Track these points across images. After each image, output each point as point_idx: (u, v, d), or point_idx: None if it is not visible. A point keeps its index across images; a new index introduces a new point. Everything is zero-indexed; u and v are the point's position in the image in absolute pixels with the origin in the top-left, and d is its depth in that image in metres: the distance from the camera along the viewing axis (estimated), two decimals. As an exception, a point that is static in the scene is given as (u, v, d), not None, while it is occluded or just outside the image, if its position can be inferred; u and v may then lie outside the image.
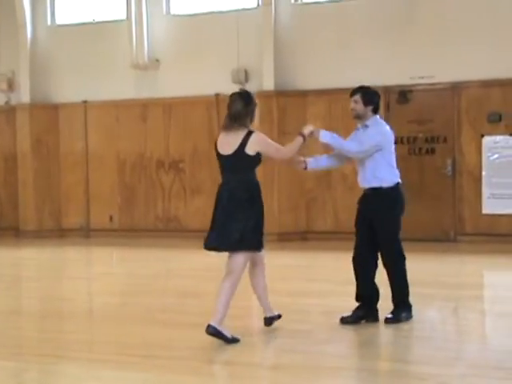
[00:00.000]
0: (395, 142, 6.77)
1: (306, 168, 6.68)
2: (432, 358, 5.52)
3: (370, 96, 6.62)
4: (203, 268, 10.23)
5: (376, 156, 6.51)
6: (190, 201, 13.81)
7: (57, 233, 14.53)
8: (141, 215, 14.16)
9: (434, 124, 12.37)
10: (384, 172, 6.52)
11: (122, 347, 6.02)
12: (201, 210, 13.63)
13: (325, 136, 6.51)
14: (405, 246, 6.75)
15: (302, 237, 13.01)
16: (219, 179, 6.45)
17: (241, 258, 6.12)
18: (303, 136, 6.39)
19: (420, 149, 12.48)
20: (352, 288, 6.79)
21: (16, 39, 14.52)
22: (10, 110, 14.73)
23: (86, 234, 14.48)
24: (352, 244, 6.84)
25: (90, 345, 6.38)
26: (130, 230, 14.14)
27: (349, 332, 6.35)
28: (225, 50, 13.35)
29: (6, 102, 14.84)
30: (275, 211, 12.93)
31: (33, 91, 14.50)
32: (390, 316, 6.58)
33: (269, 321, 6.52)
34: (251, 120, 6.26)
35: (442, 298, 7.94)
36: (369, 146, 6.48)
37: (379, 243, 6.60)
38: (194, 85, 13.54)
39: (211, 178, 13.56)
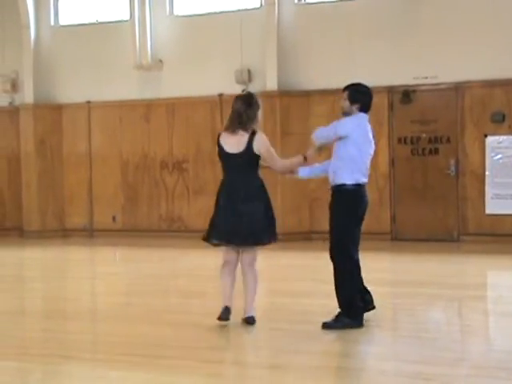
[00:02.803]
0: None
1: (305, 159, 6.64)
2: (436, 358, 5.52)
3: (357, 94, 6.51)
4: (207, 268, 10.24)
5: (339, 149, 6.40)
6: (193, 201, 13.82)
7: (60, 233, 14.55)
8: (144, 215, 14.17)
9: (437, 124, 12.37)
10: (343, 169, 6.36)
11: (127, 347, 6.03)
12: (204, 210, 13.62)
13: (316, 138, 6.54)
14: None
15: (306, 237, 13.01)
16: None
17: (258, 250, 6.56)
18: (305, 158, 6.57)
19: (423, 149, 12.47)
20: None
21: (19, 40, 14.54)
22: (14, 111, 14.76)
23: (90, 234, 14.50)
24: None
25: (94, 345, 6.40)
26: (133, 230, 14.16)
27: (352, 332, 6.35)
28: (228, 50, 13.35)
29: (10, 103, 14.87)
30: (278, 211, 12.81)
31: (36, 92, 14.52)
32: (328, 320, 6.35)
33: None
34: (256, 120, 6.46)
35: (446, 298, 7.94)
36: (333, 127, 6.39)
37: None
38: (197, 85, 13.55)
39: (215, 179, 13.55)
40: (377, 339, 6.31)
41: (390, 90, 12.49)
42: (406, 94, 12.46)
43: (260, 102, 6.55)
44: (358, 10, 12.75)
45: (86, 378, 5.32)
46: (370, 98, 6.61)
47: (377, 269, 9.79)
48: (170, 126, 13.98)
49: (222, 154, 6.53)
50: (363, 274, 6.66)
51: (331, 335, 6.28)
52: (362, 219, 6.50)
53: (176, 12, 14.01)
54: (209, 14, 13.70)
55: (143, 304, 7.86)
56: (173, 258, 11.62)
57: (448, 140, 12.32)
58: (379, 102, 12.55)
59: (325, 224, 14.37)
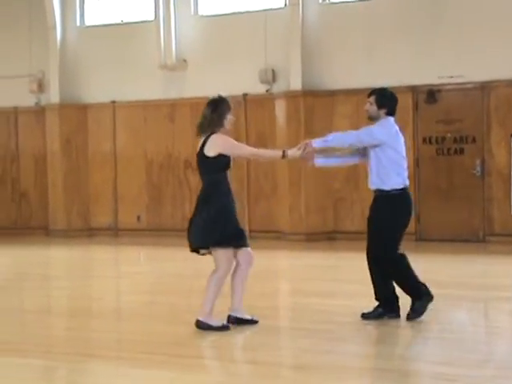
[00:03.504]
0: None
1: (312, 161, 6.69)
2: (461, 359, 5.48)
3: (384, 99, 6.63)
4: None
5: (380, 157, 6.50)
6: (217, 201, 13.82)
7: (85, 232, 14.65)
8: (168, 215, 14.22)
9: (462, 124, 12.27)
10: (390, 175, 6.50)
11: (150, 346, 6.05)
12: (228, 209, 13.64)
13: (317, 143, 6.52)
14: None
15: (330, 237, 12.97)
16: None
17: (219, 254, 6.29)
18: (284, 155, 6.44)
19: (448, 149, 12.39)
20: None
21: (46, 40, 14.66)
22: (40, 111, 14.88)
23: (114, 233, 14.57)
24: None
25: (118, 343, 6.43)
26: (157, 230, 14.21)
27: (376, 332, 6.32)
28: (252, 49, 13.36)
29: (36, 103, 14.99)
30: (302, 211, 12.90)
31: (62, 92, 14.63)
32: (409, 312, 6.53)
33: (233, 320, 6.47)
34: (219, 125, 6.39)
35: (471, 299, 7.87)
36: (365, 134, 6.48)
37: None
38: (221, 85, 13.51)
39: (237, 179, 13.54)
40: (401, 340, 6.28)
41: (415, 89, 12.42)
42: (431, 94, 12.37)
43: (230, 106, 6.42)
44: (381, 10, 12.69)
45: (109, 376, 5.35)
46: (396, 102, 6.74)
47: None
48: (194, 126, 13.76)
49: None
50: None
51: (352, 335, 6.26)
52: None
53: (200, 12, 14.04)
54: (233, 13, 13.71)
55: (167, 303, 7.89)
56: (196, 258, 11.60)
57: (473, 140, 12.22)
58: (403, 101, 12.43)
59: (349, 224, 14.33)
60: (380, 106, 6.58)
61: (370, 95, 6.67)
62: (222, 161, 6.33)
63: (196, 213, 6.39)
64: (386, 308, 6.61)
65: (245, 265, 6.39)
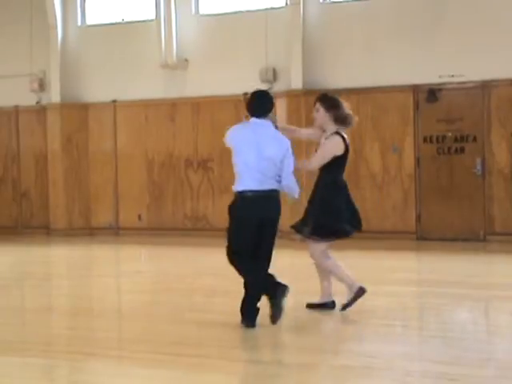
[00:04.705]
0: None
1: None
2: (462, 358, 5.48)
3: (248, 103, 6.58)
4: (231, 267, 10.25)
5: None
6: (218, 200, 13.84)
7: (86, 231, 14.66)
8: (169, 214, 14.23)
9: (463, 123, 12.28)
10: (236, 178, 6.45)
11: (151, 345, 6.05)
12: (229, 209, 13.65)
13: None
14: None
15: (330, 236, 12.96)
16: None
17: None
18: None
19: (449, 148, 12.39)
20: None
21: (47, 40, 14.67)
22: (41, 110, 14.89)
23: (115, 232, 14.59)
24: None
25: (119, 342, 6.44)
26: (158, 229, 14.22)
27: (376, 331, 6.32)
28: (253, 49, 13.36)
29: (37, 102, 15.01)
30: (302, 210, 12.87)
31: (63, 91, 14.64)
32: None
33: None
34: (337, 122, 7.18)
35: (472, 298, 7.88)
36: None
37: None
38: (222, 84, 13.58)
39: (239, 177, 13.59)
40: (402, 339, 6.28)
41: (416, 88, 12.42)
42: (432, 93, 12.38)
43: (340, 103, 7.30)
44: (383, 9, 12.70)
45: (110, 375, 5.36)
46: (253, 101, 6.53)
47: (402, 268, 9.75)
48: (194, 125, 14.02)
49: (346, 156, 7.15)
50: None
51: (353, 334, 6.26)
52: (249, 228, 6.40)
53: (201, 11, 14.05)
54: (234, 13, 13.72)
55: (168, 302, 7.89)
56: (197, 257, 11.66)
57: (474, 139, 12.23)
58: (404, 100, 12.52)
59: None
60: (247, 109, 6.57)
61: None
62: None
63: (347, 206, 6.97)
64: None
65: None
